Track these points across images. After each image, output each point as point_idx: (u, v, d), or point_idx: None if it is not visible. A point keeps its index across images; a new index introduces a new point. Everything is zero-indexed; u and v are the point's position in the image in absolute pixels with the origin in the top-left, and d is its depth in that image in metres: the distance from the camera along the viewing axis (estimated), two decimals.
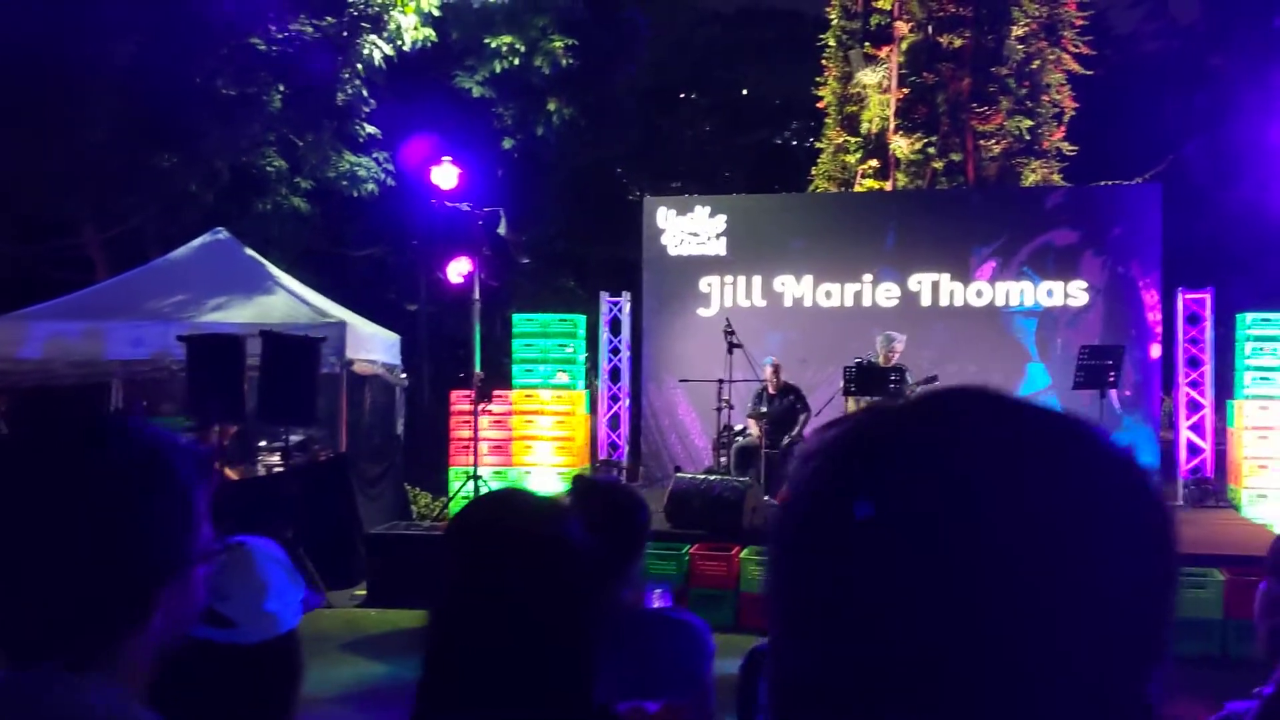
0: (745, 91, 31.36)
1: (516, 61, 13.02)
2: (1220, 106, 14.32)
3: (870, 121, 20.79)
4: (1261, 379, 11.46)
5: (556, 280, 24.97)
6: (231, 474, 11.49)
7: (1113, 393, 11.90)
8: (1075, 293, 12.29)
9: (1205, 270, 12.89)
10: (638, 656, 2.65)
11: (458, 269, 10.13)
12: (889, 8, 20.65)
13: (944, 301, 12.60)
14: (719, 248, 13.18)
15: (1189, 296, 12.01)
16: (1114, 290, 12.20)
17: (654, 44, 23.38)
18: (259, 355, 9.93)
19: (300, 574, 1.96)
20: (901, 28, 20.65)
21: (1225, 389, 12.15)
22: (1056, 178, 19.41)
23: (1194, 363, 12.03)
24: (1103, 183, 16.14)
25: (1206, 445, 11.99)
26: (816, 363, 12.38)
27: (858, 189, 19.99)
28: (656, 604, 3.07)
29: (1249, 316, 11.55)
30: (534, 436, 12.81)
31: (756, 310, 13.08)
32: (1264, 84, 13.06)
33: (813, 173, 21.97)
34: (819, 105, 21.82)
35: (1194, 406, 12.09)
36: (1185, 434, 12.04)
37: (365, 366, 11.45)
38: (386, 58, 12.22)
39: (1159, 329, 12.18)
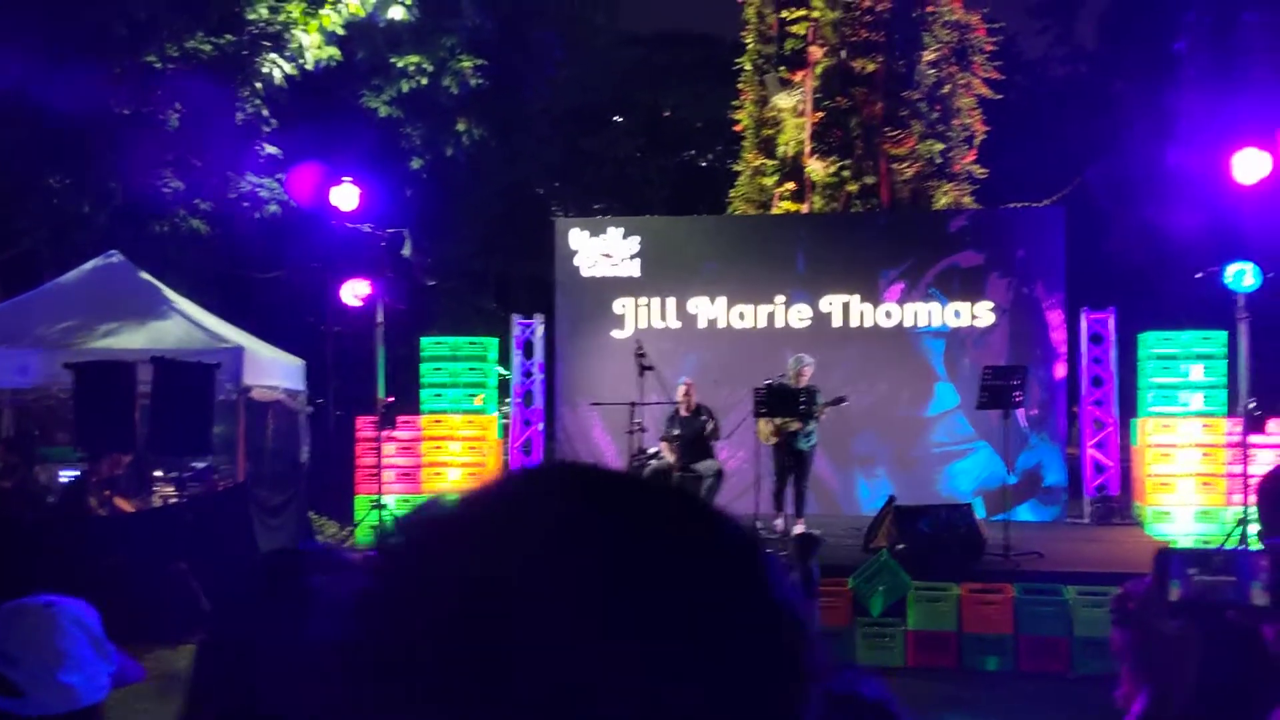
0: (668, 114, 31.47)
1: (424, 81, 12.81)
2: (1121, 129, 14.67)
3: (786, 145, 20.94)
4: (1163, 397, 11.65)
5: (478, 302, 24.73)
6: (125, 505, 11.06)
7: (1020, 412, 12.03)
8: (981, 313, 12.42)
9: (1108, 290, 13.12)
10: None
11: (353, 290, 9.87)
12: (803, 33, 20.85)
13: (854, 322, 12.66)
14: (632, 269, 13.09)
15: (1093, 316, 12.20)
16: (1019, 311, 12.35)
17: (574, 65, 23.33)
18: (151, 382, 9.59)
19: (110, 644, 1.79)
20: (816, 52, 20.86)
21: (1130, 407, 12.36)
22: (968, 200, 19.70)
23: (1098, 381, 12.22)
24: (1012, 205, 16.41)
25: (1111, 463, 12.15)
26: (730, 384, 12.31)
27: (775, 211, 20.11)
28: None
29: (1150, 336, 11.76)
30: (444, 463, 12.56)
31: (670, 332, 13.01)
32: (1159, 107, 13.41)
33: (731, 195, 22.07)
34: (736, 128, 21.95)
35: (1099, 425, 12.27)
36: (1090, 452, 12.20)
37: (265, 392, 11.11)
38: (289, 77, 11.92)
39: (1064, 348, 12.35)
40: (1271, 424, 10.85)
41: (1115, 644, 1.62)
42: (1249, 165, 8.96)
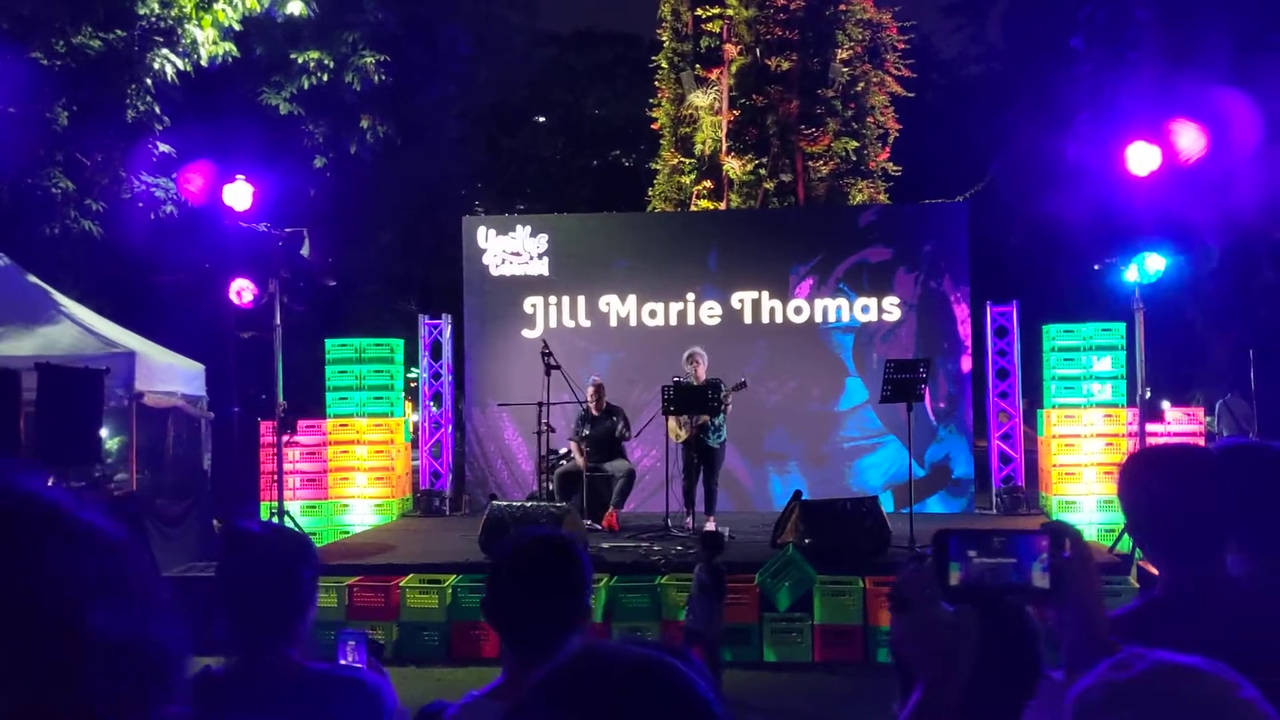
0: (597, 111, 31.34)
1: (326, 77, 12.52)
2: (1023, 124, 14.89)
3: (703, 143, 20.96)
4: (1066, 389, 11.83)
5: (401, 306, 24.38)
6: None
7: (928, 404, 12.13)
8: (889, 308, 12.49)
9: (1013, 283, 13.30)
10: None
11: (238, 289, 9.58)
12: (718, 30, 20.88)
13: (765, 319, 12.65)
14: (542, 268, 12.94)
15: (997, 309, 12.33)
16: (926, 305, 12.44)
17: (491, 65, 23.09)
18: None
19: None
20: (731, 50, 20.90)
21: (1035, 399, 12.52)
22: (883, 198, 19.87)
23: (1003, 374, 12.35)
24: (928, 202, 16.56)
25: (1017, 454, 12.29)
26: (644, 383, 12.25)
27: (693, 210, 20.10)
28: (349, 658, 2.77)
29: (1053, 328, 11.93)
30: (351, 468, 12.30)
31: (582, 331, 12.89)
32: (1059, 103, 13.62)
33: (650, 194, 22.03)
34: (654, 127, 21.92)
35: (1005, 416, 12.41)
36: (996, 443, 12.33)
37: (161, 398, 10.77)
38: (183, 73, 11.56)
39: (970, 342, 12.47)
40: (1169, 413, 11.05)
41: (893, 634, 1.54)
42: (1141, 157, 9.09)
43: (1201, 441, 11.27)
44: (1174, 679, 1.06)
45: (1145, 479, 2.23)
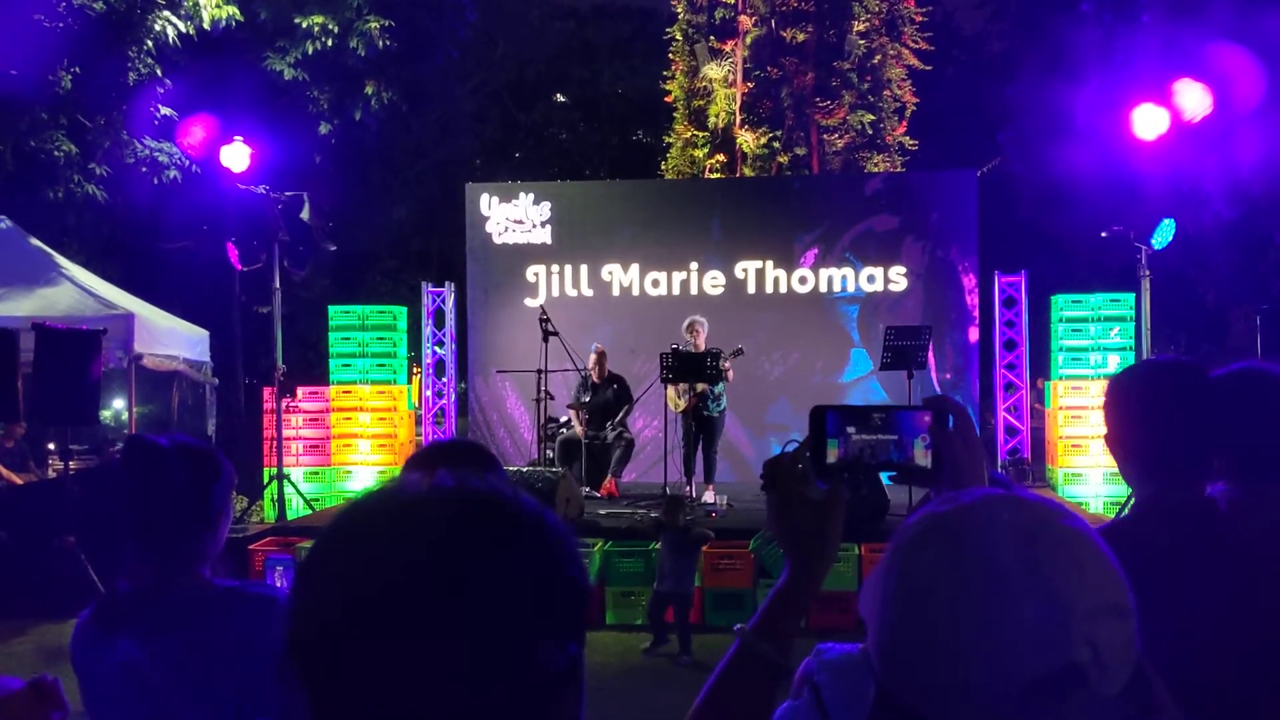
0: (614, 88, 31.14)
1: (330, 42, 12.45)
2: (1035, 92, 14.64)
3: (717, 116, 20.79)
4: (1073, 360, 11.66)
5: (415, 277, 24.44)
6: (14, 478, 10.72)
7: (934, 375, 11.99)
8: (896, 278, 12.33)
9: (1023, 253, 13.10)
10: (201, 637, 2.30)
11: (231, 253, 9.56)
12: (733, 1, 20.68)
13: (769, 289, 12.52)
14: (544, 236, 12.86)
15: (1005, 280, 12.16)
16: (933, 275, 12.28)
17: (507, 39, 22.97)
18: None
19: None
20: (745, 21, 20.70)
21: (1042, 370, 12.35)
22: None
23: (1010, 345, 12.19)
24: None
25: (1023, 426, 12.14)
26: (646, 352, 12.16)
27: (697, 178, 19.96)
28: (278, 582, 2.71)
29: (1061, 298, 11.75)
30: (354, 434, 12.28)
31: (585, 300, 12.81)
32: (1069, 68, 13.39)
33: (662, 167, 21.89)
34: (667, 100, 21.76)
35: (1012, 388, 12.25)
36: (1003, 415, 12.19)
37: (161, 361, 10.75)
38: (186, 37, 11.52)
39: (977, 312, 12.31)
40: None
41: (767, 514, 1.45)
42: (1148, 121, 8.90)
43: None
44: (994, 508, 0.98)
45: (1132, 391, 2.12)
